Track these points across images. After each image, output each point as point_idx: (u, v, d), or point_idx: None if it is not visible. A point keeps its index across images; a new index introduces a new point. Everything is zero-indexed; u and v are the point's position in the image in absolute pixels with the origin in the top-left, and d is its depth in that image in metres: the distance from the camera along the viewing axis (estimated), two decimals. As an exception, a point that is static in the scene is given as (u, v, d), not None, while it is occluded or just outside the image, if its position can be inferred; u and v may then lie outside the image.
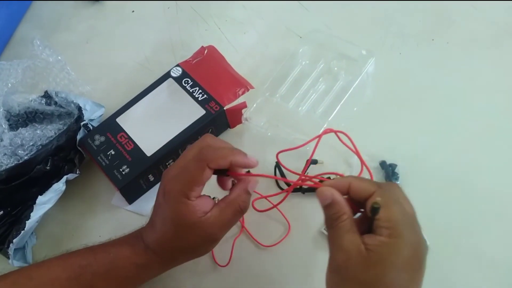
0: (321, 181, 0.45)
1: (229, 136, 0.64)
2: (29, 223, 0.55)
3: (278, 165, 0.58)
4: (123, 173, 0.57)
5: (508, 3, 0.68)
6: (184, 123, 0.60)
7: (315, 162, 0.57)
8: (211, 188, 0.47)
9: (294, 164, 0.53)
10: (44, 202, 0.57)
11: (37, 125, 0.63)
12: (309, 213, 0.56)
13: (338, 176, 0.57)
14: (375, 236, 0.37)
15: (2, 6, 0.78)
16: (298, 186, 0.56)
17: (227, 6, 0.77)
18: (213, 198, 0.47)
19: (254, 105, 0.61)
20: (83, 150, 0.61)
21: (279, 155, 0.50)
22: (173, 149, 0.58)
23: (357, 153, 0.47)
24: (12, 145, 0.58)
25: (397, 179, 0.55)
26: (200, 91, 0.62)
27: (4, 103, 0.62)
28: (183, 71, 0.64)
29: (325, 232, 0.54)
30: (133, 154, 0.59)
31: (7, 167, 0.56)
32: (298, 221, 0.56)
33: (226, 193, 0.48)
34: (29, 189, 0.57)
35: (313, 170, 0.56)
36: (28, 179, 0.56)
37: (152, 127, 0.61)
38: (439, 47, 0.66)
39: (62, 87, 0.68)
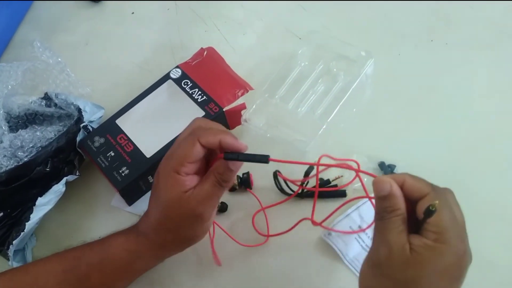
0: (323, 185, 0.44)
1: (229, 137, 0.64)
2: (29, 225, 0.55)
3: (276, 175, 0.58)
4: (123, 174, 0.58)
5: (506, 3, 0.68)
6: (183, 125, 0.59)
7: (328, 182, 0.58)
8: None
9: (292, 167, 0.53)
10: (44, 204, 0.57)
11: (37, 127, 0.63)
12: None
13: (338, 179, 0.57)
14: (421, 238, 0.37)
15: (2, 7, 0.78)
16: (299, 191, 0.57)
17: (226, 7, 0.77)
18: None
19: (254, 106, 0.61)
20: (83, 151, 0.61)
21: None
22: (173, 150, 0.58)
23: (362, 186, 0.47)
24: (12, 147, 0.59)
25: (396, 179, 0.55)
26: (200, 92, 0.62)
27: (4, 105, 0.62)
28: (183, 73, 0.64)
29: (325, 239, 0.54)
30: (133, 156, 0.59)
31: (7, 169, 0.56)
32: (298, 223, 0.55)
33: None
34: (29, 191, 0.57)
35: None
36: (28, 180, 0.57)
37: (152, 128, 0.61)
38: (438, 47, 0.66)
39: (62, 89, 0.68)
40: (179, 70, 0.64)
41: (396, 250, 0.37)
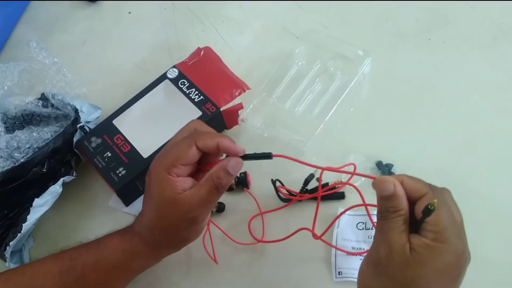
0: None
1: (226, 137, 0.64)
2: (26, 226, 0.55)
3: (275, 185, 0.57)
4: (120, 175, 0.57)
5: (504, 2, 0.68)
6: (180, 125, 0.59)
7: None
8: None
9: (291, 168, 0.53)
10: (41, 205, 0.57)
11: (33, 128, 0.63)
12: (309, 219, 0.55)
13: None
14: (420, 237, 0.37)
15: (-1, 7, 0.78)
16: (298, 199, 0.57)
17: (224, 6, 0.77)
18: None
19: (251, 106, 0.61)
20: (80, 152, 0.61)
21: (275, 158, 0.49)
22: (170, 150, 0.58)
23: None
24: (8, 147, 0.58)
25: (393, 179, 0.55)
26: (197, 92, 0.62)
27: (0, 106, 0.62)
28: (180, 72, 0.64)
29: (338, 280, 0.53)
30: (130, 156, 0.58)
31: (4, 170, 0.56)
32: (298, 225, 0.55)
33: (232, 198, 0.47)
34: (26, 192, 0.57)
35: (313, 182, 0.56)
36: (25, 181, 0.56)
37: (149, 128, 0.61)
38: (435, 46, 0.66)
39: (58, 89, 0.68)
40: (176, 70, 0.64)
41: (396, 249, 0.37)
